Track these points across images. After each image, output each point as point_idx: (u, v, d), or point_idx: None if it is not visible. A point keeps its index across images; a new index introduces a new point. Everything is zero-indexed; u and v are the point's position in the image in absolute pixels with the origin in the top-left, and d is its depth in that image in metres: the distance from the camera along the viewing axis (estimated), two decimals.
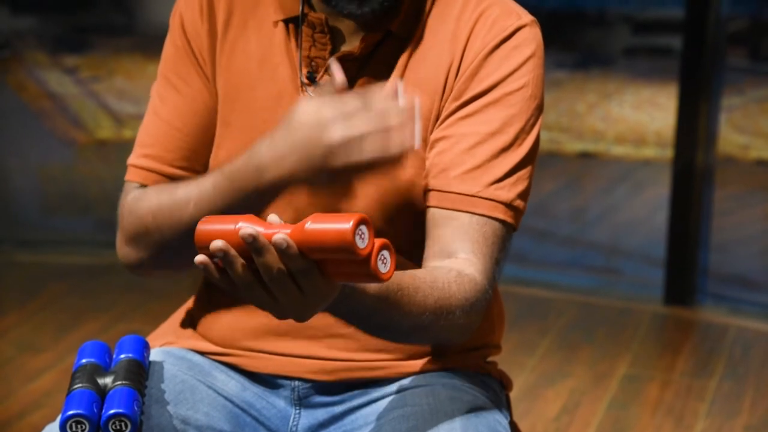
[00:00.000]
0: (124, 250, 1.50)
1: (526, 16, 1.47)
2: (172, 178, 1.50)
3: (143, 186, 1.51)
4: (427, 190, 1.45)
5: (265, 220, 1.21)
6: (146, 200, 1.47)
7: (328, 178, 1.31)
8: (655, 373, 3.14)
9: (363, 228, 1.15)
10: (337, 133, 1.29)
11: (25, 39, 5.35)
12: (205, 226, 1.22)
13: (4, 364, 3.06)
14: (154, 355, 1.51)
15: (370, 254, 1.15)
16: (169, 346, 1.56)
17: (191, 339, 1.56)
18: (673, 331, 3.51)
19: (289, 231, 1.17)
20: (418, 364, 1.51)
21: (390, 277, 1.17)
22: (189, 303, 1.62)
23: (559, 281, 3.82)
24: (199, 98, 1.51)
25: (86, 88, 5.42)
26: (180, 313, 1.61)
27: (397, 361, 1.51)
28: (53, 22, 5.63)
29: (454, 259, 1.41)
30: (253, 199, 1.37)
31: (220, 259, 1.19)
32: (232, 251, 1.19)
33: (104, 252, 3.67)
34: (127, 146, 1.58)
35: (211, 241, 1.19)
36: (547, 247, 4.21)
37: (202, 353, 1.55)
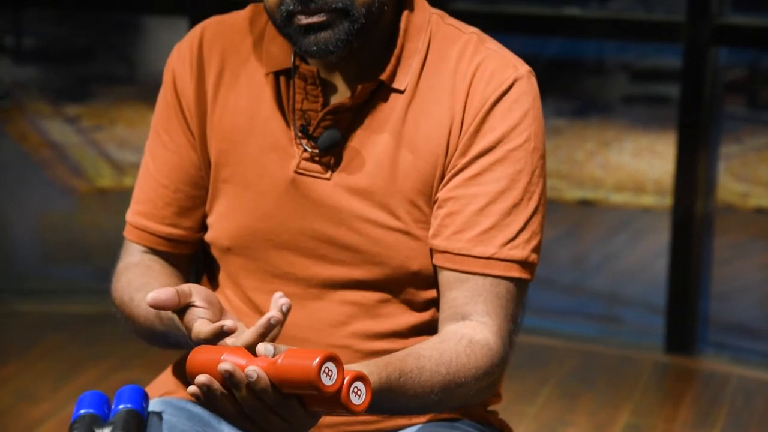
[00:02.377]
0: (113, 308, 1.54)
1: (522, 67, 1.47)
2: (166, 238, 1.54)
3: (139, 245, 1.56)
4: (439, 251, 1.45)
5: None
6: (124, 279, 1.52)
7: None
8: (656, 423, 3.12)
9: (330, 365, 1.16)
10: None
11: (27, 89, 5.38)
12: (196, 356, 1.25)
13: (3, 413, 3.05)
14: (153, 405, 1.50)
15: (339, 389, 1.17)
16: (169, 396, 1.55)
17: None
18: (674, 379, 3.50)
19: (265, 365, 1.19)
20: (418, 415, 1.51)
21: (365, 407, 1.19)
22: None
23: (560, 329, 3.81)
24: (185, 155, 1.53)
25: (87, 137, 5.44)
26: (179, 363, 1.61)
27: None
28: (55, 72, 5.67)
29: (468, 322, 1.42)
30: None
31: (205, 392, 1.22)
32: (216, 385, 1.21)
33: (104, 301, 3.63)
34: (127, 195, 1.62)
35: (199, 371, 1.22)
36: (547, 295, 4.20)
37: None
